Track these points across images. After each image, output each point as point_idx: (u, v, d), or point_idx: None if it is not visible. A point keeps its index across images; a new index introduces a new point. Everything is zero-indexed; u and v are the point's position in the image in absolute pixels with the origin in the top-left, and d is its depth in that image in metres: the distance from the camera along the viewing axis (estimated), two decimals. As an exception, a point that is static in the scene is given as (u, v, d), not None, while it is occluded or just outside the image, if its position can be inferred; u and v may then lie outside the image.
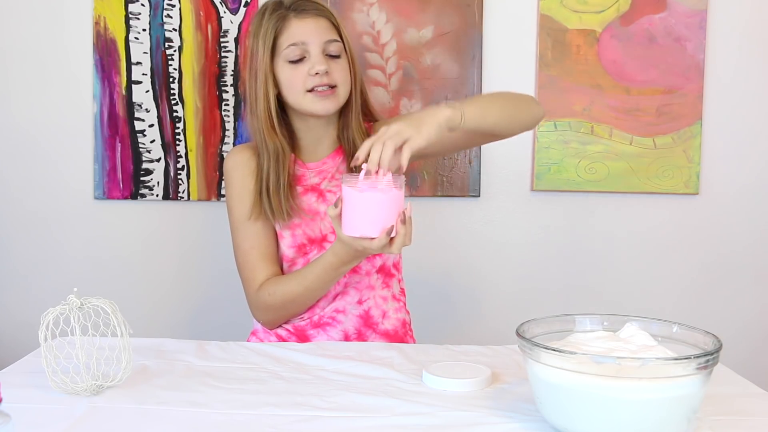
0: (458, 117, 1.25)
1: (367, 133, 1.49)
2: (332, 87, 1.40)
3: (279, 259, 1.48)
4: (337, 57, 1.42)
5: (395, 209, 1.18)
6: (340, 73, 1.41)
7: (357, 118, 1.48)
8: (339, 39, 1.42)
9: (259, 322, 1.49)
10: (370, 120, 1.55)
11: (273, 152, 1.43)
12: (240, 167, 1.48)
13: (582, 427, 0.89)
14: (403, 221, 1.18)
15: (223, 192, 2.09)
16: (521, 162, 2.13)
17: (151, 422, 0.96)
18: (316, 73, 1.38)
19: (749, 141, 2.14)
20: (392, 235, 1.18)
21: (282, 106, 1.46)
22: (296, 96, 1.41)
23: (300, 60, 1.40)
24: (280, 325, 1.48)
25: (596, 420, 0.88)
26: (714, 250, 2.16)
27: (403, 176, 1.20)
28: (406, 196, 1.22)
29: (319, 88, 1.39)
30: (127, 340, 1.07)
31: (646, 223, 2.15)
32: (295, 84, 1.40)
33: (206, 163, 2.10)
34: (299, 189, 1.47)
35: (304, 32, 1.39)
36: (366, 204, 1.18)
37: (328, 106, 1.41)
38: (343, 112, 1.48)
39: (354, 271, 1.44)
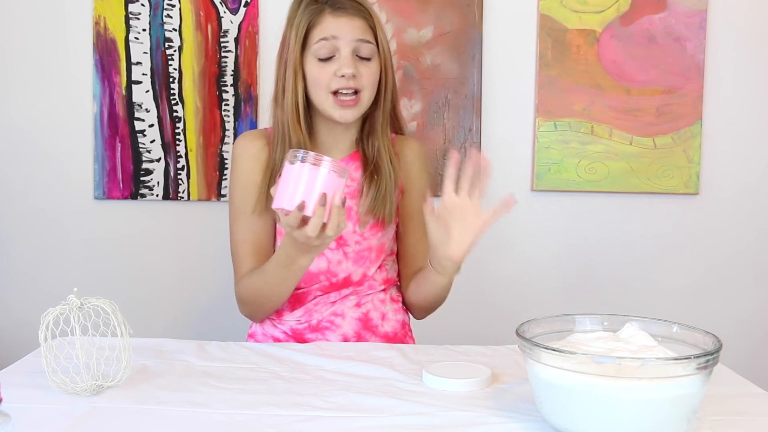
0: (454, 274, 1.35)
1: (392, 145, 1.48)
2: (356, 93, 1.37)
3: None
4: (368, 60, 1.38)
5: (320, 189, 1.13)
6: (367, 78, 1.38)
7: (384, 127, 1.44)
8: (373, 41, 1.39)
9: (242, 314, 1.48)
10: (396, 131, 1.52)
11: (295, 146, 1.40)
12: (250, 157, 1.45)
13: (582, 427, 0.89)
14: (323, 204, 1.13)
15: (223, 192, 2.09)
16: (521, 162, 2.13)
17: (151, 422, 0.96)
18: (342, 75, 1.36)
19: (749, 141, 2.14)
20: (307, 213, 1.13)
21: (307, 100, 1.43)
22: (319, 96, 1.38)
23: (329, 59, 1.37)
24: (264, 320, 1.47)
25: (596, 420, 0.88)
26: (714, 250, 2.16)
27: (345, 167, 1.16)
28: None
29: (343, 93, 1.36)
30: (127, 340, 1.06)
31: (646, 223, 2.15)
32: (320, 82, 1.37)
33: (206, 163, 2.10)
34: None
35: (337, 28, 1.36)
36: (290, 176, 1.14)
37: (347, 115, 1.38)
38: (369, 117, 1.44)
39: (358, 283, 1.44)
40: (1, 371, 1.16)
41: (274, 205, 1.16)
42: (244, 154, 1.46)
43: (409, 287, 1.49)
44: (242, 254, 1.44)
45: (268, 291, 1.38)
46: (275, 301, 1.41)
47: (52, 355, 1.04)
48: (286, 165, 1.15)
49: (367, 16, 1.39)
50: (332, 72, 1.36)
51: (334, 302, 1.44)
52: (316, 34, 1.37)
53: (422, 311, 1.50)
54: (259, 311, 1.44)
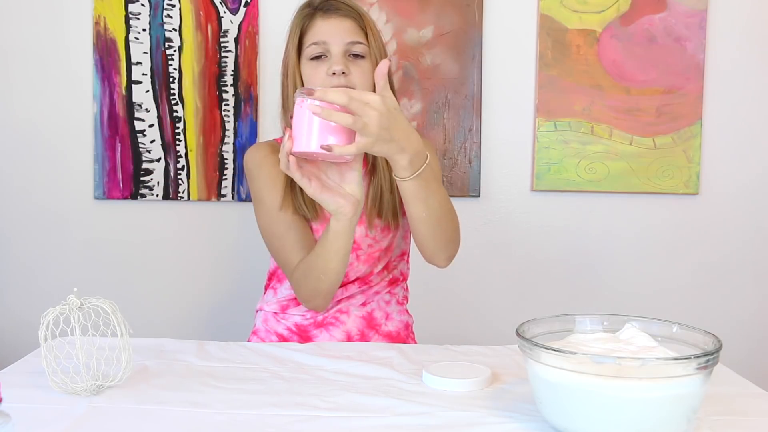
0: (409, 170, 1.19)
1: None
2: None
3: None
4: (360, 60, 1.40)
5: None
6: (359, 76, 1.39)
7: None
8: (364, 41, 1.40)
9: (307, 306, 1.42)
10: None
11: None
12: (267, 161, 1.45)
13: (582, 427, 0.89)
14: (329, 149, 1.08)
15: (223, 192, 2.09)
16: (521, 162, 2.13)
17: (151, 422, 0.96)
18: (333, 74, 1.37)
19: (749, 141, 2.14)
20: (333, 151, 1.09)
21: None
22: None
23: (321, 60, 1.39)
24: (326, 308, 1.43)
25: (596, 420, 0.88)
26: (714, 250, 2.16)
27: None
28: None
29: None
30: (127, 340, 1.06)
31: (646, 223, 2.15)
32: (314, 83, 1.39)
33: (206, 163, 2.10)
34: None
35: (326, 32, 1.38)
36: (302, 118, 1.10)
37: None
38: None
39: (365, 282, 1.45)
40: (1, 371, 1.16)
41: (295, 150, 1.12)
42: (262, 160, 1.46)
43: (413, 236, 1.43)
44: (289, 245, 1.40)
45: (319, 263, 1.32)
46: (328, 274, 1.33)
47: (52, 355, 1.04)
48: (296, 107, 1.12)
49: (357, 17, 1.41)
50: (324, 72, 1.38)
51: (339, 300, 1.45)
52: (308, 39, 1.40)
53: (433, 248, 1.38)
54: (319, 292, 1.37)
